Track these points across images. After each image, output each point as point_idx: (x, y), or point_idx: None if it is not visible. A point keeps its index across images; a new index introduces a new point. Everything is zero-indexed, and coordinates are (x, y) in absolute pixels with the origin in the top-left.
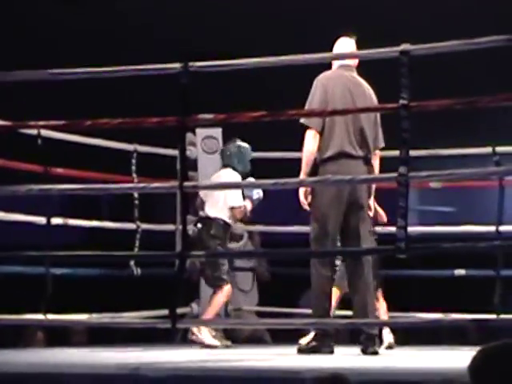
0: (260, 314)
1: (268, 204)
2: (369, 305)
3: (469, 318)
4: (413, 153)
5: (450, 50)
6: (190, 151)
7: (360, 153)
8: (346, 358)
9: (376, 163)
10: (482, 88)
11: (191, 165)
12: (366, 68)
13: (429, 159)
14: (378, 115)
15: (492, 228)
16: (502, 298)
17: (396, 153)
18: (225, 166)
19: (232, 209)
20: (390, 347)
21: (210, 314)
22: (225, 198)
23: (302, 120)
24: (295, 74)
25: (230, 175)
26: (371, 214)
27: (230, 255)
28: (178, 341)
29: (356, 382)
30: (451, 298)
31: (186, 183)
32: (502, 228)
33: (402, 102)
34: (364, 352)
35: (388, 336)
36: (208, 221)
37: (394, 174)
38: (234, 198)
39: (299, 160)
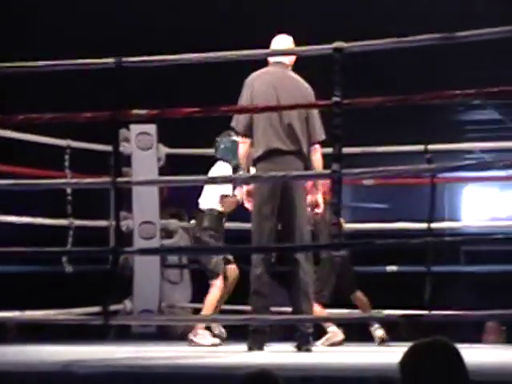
0: (195, 311)
1: None
2: (303, 303)
3: (400, 313)
4: (347, 150)
5: (382, 47)
6: (124, 147)
7: (292, 147)
8: (279, 354)
9: (316, 157)
10: (416, 86)
11: (125, 161)
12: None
13: (363, 156)
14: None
15: (424, 225)
16: (434, 293)
17: (330, 149)
18: (218, 159)
19: (222, 198)
20: (383, 341)
21: (206, 310)
22: (217, 188)
23: (232, 124)
24: (235, 69)
25: (224, 170)
26: (320, 210)
27: (165, 251)
28: (111, 337)
29: (285, 378)
30: (383, 294)
31: (119, 179)
32: (434, 225)
33: (334, 98)
34: (298, 349)
35: (378, 331)
36: (200, 214)
37: (328, 171)
38: (225, 187)
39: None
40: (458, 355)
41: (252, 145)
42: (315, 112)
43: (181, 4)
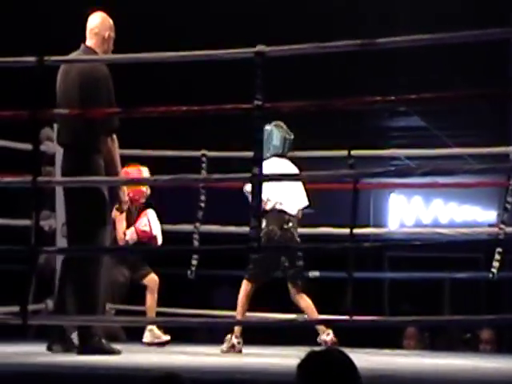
0: (118, 313)
1: None
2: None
3: (321, 318)
4: None
5: (304, 52)
6: (47, 146)
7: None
8: (189, 356)
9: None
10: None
11: (48, 160)
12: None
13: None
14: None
15: (346, 230)
16: (357, 299)
17: (251, 153)
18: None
19: None
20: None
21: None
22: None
23: None
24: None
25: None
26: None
27: (84, 251)
28: (31, 337)
29: (193, 380)
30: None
31: (40, 178)
32: (356, 231)
33: (256, 102)
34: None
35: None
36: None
37: (248, 175)
38: None
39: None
40: (352, 365)
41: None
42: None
43: None
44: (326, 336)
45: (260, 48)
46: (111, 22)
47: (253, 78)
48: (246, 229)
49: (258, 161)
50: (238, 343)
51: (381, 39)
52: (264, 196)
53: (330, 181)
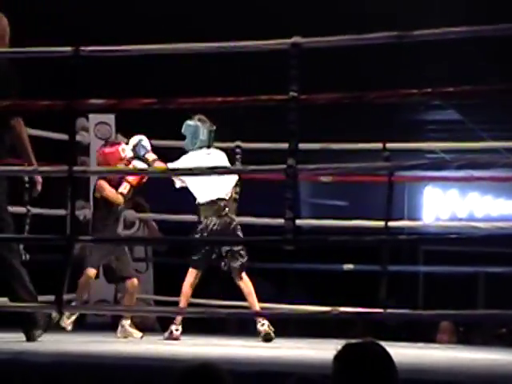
0: (156, 303)
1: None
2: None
3: (355, 311)
4: (305, 146)
5: (340, 44)
6: (83, 136)
7: None
8: (227, 348)
9: None
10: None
11: (84, 150)
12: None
13: (324, 153)
14: None
15: (381, 223)
16: (392, 292)
17: (286, 145)
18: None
19: None
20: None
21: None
22: None
23: None
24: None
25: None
26: None
27: (119, 241)
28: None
29: (231, 371)
30: (340, 292)
31: (76, 168)
32: (391, 223)
33: (291, 94)
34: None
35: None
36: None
37: (283, 166)
38: None
39: None
40: (389, 357)
41: None
42: None
43: None
44: (261, 326)
45: (296, 39)
46: (6, 20)
47: (288, 70)
48: (280, 221)
49: (293, 152)
50: (176, 330)
51: (417, 31)
52: (196, 190)
53: (364, 173)
